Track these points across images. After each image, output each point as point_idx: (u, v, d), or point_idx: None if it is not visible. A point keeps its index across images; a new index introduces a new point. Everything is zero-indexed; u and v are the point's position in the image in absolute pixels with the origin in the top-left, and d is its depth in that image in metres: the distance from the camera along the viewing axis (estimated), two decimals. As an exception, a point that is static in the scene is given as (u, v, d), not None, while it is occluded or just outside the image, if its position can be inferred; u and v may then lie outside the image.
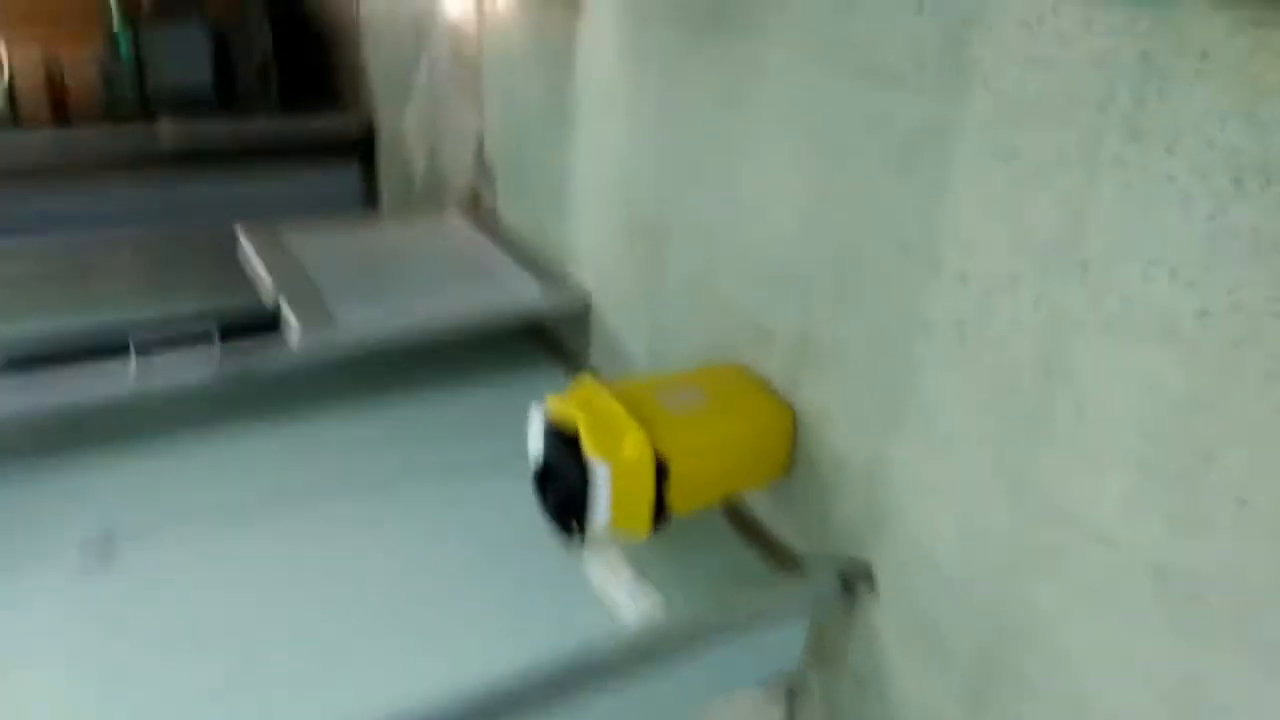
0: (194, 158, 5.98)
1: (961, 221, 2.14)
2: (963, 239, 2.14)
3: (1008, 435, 2.12)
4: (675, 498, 2.50)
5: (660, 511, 2.50)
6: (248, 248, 4.12)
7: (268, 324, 3.66)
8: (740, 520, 2.98)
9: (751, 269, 2.85)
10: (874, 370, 2.45)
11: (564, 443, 2.51)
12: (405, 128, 5.71)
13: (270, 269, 3.87)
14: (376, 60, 6.07)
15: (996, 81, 2.01)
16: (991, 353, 2.12)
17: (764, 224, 2.76)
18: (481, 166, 4.61)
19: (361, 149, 6.14)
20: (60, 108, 6.55)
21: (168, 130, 6.14)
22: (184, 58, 6.82)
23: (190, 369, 3.29)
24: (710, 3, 2.82)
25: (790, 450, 2.74)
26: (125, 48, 6.70)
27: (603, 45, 3.44)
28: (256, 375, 3.43)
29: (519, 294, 3.85)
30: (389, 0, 5.66)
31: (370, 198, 6.02)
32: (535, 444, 2.62)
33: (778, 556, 2.86)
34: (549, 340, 3.99)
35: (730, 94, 2.82)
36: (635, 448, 2.45)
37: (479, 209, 4.64)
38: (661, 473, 2.47)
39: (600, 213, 3.65)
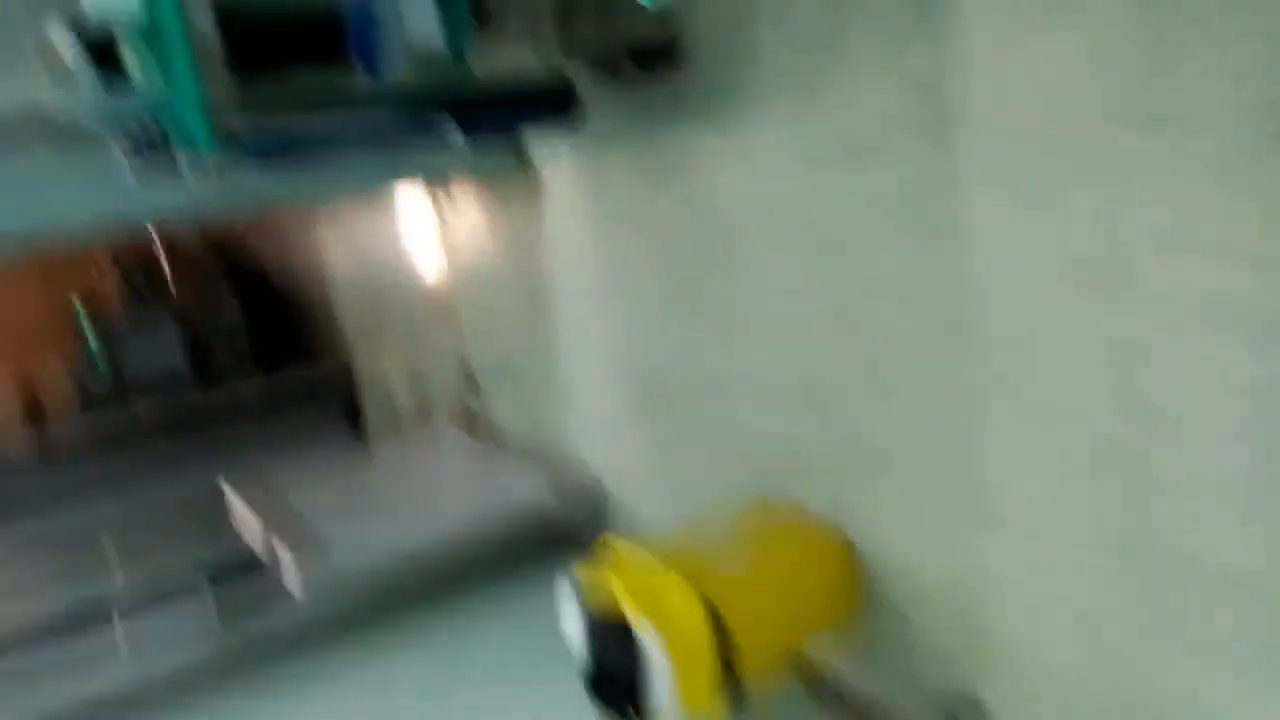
0: (174, 433, 5.85)
1: (988, 272, 1.96)
2: (994, 290, 1.96)
3: (1106, 493, 1.84)
4: (739, 654, 2.16)
5: (729, 681, 2.16)
6: (233, 498, 3.87)
7: (259, 569, 3.38)
8: (816, 680, 2.60)
9: (769, 394, 2.64)
10: (932, 466, 2.19)
11: (603, 620, 2.20)
12: (384, 363, 5.62)
13: (258, 514, 3.61)
14: (347, 307, 6.07)
15: (984, 118, 1.89)
16: (1060, 404, 1.88)
17: (774, 344, 2.58)
18: (467, 380, 4.46)
19: (341, 393, 6.03)
20: (36, 412, 6.48)
21: (144, 413, 6.06)
22: (155, 346, 6.84)
23: (186, 629, 2.99)
24: (667, 145, 2.76)
25: (854, 583, 2.42)
26: (98, 348, 6.72)
27: (569, 218, 3.38)
28: (257, 627, 3.12)
29: (523, 491, 3.60)
30: (354, 251, 5.72)
31: (355, 439, 5.84)
32: (572, 625, 2.30)
33: (867, 714, 2.47)
34: (563, 530, 3.69)
35: (709, 226, 2.71)
36: (683, 601, 2.14)
37: (470, 422, 4.46)
38: (718, 629, 2.15)
39: (597, 388, 3.47)
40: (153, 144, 2.42)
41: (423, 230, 4.61)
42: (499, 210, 3.85)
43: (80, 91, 2.24)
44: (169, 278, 7.37)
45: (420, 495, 3.87)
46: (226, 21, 2.25)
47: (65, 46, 2.28)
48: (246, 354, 6.82)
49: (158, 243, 7.50)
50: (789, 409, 2.58)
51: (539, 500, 3.55)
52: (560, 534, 3.70)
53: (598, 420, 3.51)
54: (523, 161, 3.42)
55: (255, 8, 2.42)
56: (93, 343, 6.78)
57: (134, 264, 7.43)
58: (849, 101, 2.16)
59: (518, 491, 3.61)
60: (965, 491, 2.11)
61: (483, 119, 2.59)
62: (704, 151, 2.63)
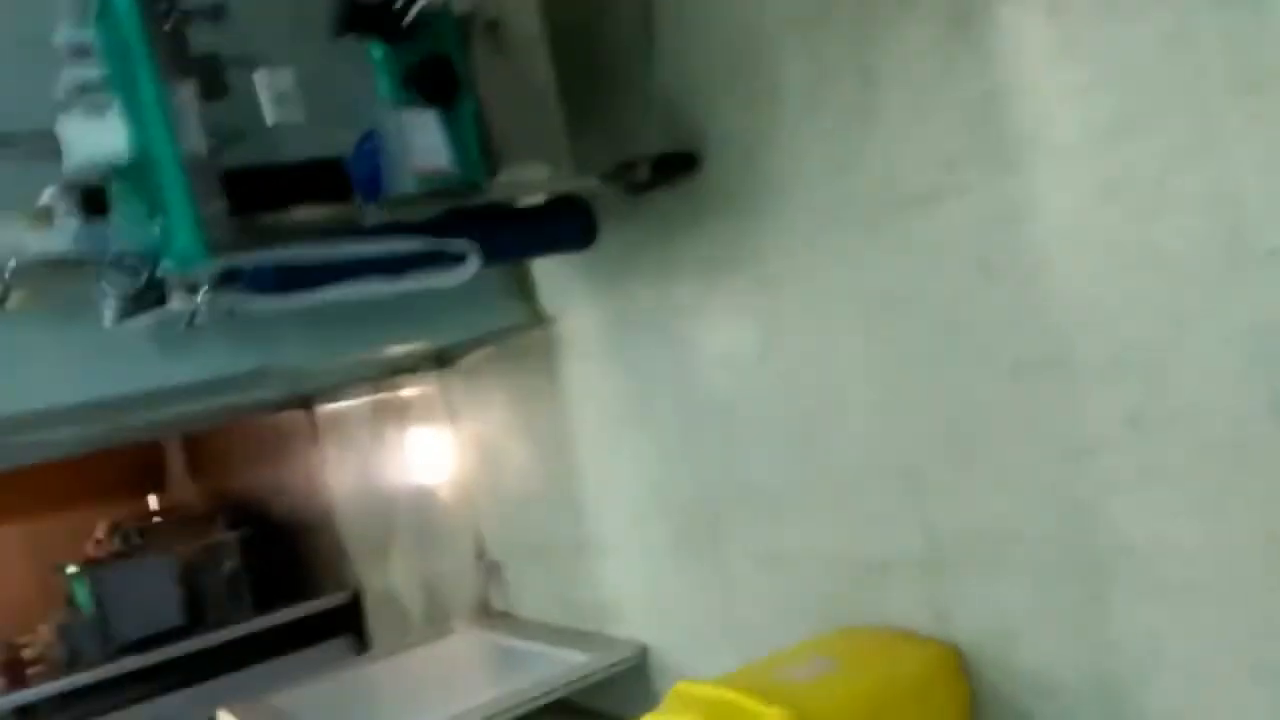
0: (167, 684, 5.40)
1: (1085, 295, 1.76)
2: (1097, 313, 1.74)
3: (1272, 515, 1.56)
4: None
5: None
6: (232, 725, 3.44)
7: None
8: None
9: (837, 499, 2.35)
10: (1050, 544, 1.88)
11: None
12: (394, 578, 5.25)
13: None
14: (352, 527, 5.76)
15: (1055, 127, 1.75)
16: (1199, 428, 1.63)
17: (836, 441, 2.32)
18: (487, 571, 4.12)
19: (347, 620, 5.61)
20: (17, 675, 6.00)
21: (134, 667, 5.63)
22: (148, 596, 6.44)
23: None
24: (690, 252, 2.63)
25: (967, 698, 2.05)
26: (87, 602, 6.35)
27: (586, 359, 3.19)
28: None
29: (555, 673, 3.19)
30: (358, 464, 5.49)
31: (364, 657, 5.39)
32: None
33: None
34: (611, 708, 3.25)
35: (746, 330, 2.52)
36: (782, 729, 1.78)
37: (491, 618, 4.07)
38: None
39: (633, 540, 3.15)
40: (142, 291, 2.27)
41: (430, 424, 4.41)
42: (511, 375, 3.67)
43: (66, 233, 2.12)
44: (162, 525, 7.08)
45: (441, 699, 3.44)
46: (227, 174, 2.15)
47: (52, 201, 2.18)
48: (247, 593, 6.42)
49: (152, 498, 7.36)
50: (865, 514, 2.29)
51: (574, 679, 3.15)
52: (609, 713, 3.28)
53: (638, 577, 3.17)
54: (533, 310, 3.27)
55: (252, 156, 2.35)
56: (81, 602, 6.41)
57: (126, 517, 7.19)
58: (895, 154, 2.03)
59: (549, 675, 3.20)
60: (1096, 563, 1.80)
61: (499, 243, 2.45)
62: (736, 246, 2.48)
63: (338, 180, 2.41)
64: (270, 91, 2.33)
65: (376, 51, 2.36)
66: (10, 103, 2.27)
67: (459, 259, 2.38)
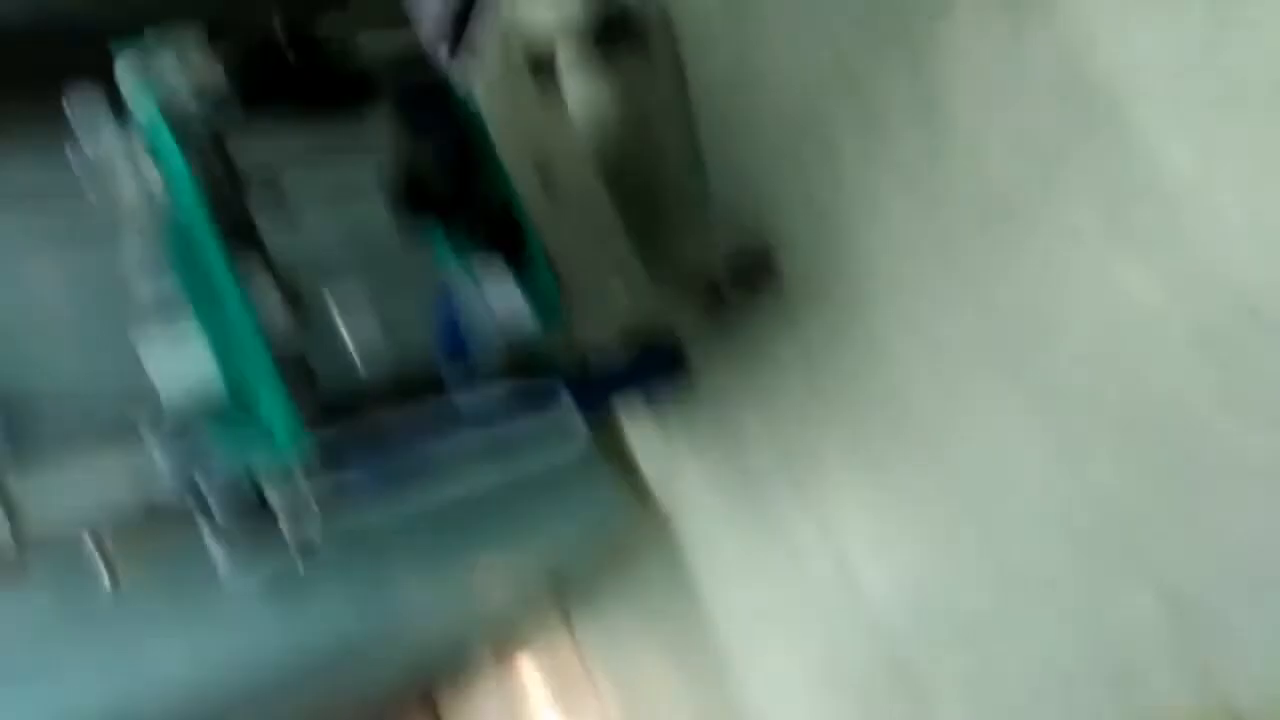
0: None
1: (1245, 223, 1.53)
2: (1263, 241, 1.52)
3: None
4: None
5: None
6: None
7: None
8: None
9: (1048, 601, 2.00)
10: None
11: None
12: None
13: None
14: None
15: (1143, 58, 1.62)
16: None
17: (1021, 530, 2.01)
18: None
19: None
20: None
21: None
22: None
23: None
24: (794, 359, 2.46)
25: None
26: None
27: (717, 534, 2.91)
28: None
29: None
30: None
31: None
32: None
33: None
34: None
35: (884, 421, 2.27)
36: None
37: None
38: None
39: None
40: (248, 514, 2.13)
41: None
42: (641, 607, 3.38)
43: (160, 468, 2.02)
44: None
45: None
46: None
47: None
48: None
49: None
50: (1085, 605, 1.93)
51: None
52: None
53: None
54: (636, 487, 3.05)
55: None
56: None
57: None
58: (983, 159, 1.89)
59: None
60: None
61: (594, 390, 2.33)
62: (839, 333, 2.30)
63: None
64: (344, 313, 2.26)
65: (437, 227, 2.37)
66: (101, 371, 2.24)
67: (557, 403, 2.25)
